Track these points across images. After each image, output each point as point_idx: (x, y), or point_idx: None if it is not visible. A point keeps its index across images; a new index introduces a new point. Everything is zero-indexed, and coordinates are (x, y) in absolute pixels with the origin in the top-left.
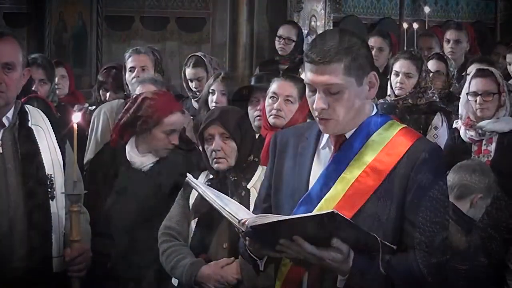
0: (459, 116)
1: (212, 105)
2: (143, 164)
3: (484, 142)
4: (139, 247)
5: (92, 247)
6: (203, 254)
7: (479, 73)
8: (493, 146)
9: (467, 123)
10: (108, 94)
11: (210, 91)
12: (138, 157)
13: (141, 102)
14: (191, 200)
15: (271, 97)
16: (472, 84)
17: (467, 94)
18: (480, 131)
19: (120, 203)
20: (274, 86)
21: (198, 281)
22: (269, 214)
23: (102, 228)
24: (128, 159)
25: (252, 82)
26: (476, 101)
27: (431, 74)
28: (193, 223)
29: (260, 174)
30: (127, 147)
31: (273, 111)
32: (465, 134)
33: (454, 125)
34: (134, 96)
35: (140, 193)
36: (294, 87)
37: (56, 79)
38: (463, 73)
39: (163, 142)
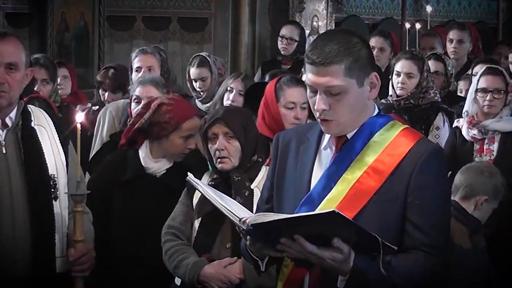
0: (464, 113)
1: (227, 102)
2: (158, 169)
3: (486, 141)
4: (150, 251)
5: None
6: (206, 254)
7: (490, 71)
8: (495, 146)
9: (471, 122)
10: (106, 94)
11: (229, 89)
12: (152, 162)
13: (157, 108)
14: (195, 200)
15: (290, 107)
16: (481, 81)
17: (476, 90)
18: (483, 130)
19: (131, 207)
20: (290, 95)
21: (201, 280)
22: (270, 213)
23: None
24: (143, 164)
25: (267, 80)
26: (484, 97)
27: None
28: (197, 223)
29: (263, 174)
30: (141, 152)
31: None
32: (468, 132)
33: (455, 124)
34: (146, 101)
35: (154, 198)
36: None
37: (58, 80)
38: (466, 73)
39: (180, 147)
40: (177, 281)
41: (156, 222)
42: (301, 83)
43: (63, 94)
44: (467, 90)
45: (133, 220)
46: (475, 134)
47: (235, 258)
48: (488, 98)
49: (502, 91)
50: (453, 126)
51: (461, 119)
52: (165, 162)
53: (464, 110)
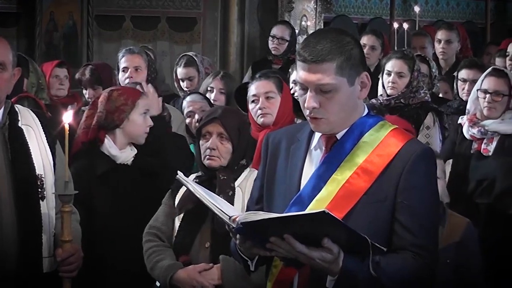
0: (466, 111)
1: None
2: (127, 157)
3: (484, 141)
4: (134, 240)
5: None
6: (184, 256)
7: (494, 72)
8: (492, 146)
9: (472, 119)
10: (87, 92)
11: (209, 88)
12: (119, 152)
13: (109, 97)
14: (177, 201)
15: (252, 100)
16: (484, 82)
17: (477, 90)
18: (482, 130)
19: (110, 199)
20: (251, 89)
21: (173, 284)
22: (260, 212)
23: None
24: (113, 154)
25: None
26: (485, 98)
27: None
28: (177, 222)
29: (246, 174)
30: (105, 147)
31: (259, 111)
32: (468, 131)
33: (459, 121)
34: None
35: (132, 185)
36: (270, 83)
37: (61, 80)
38: (454, 73)
39: (142, 125)
40: (158, 282)
41: (142, 209)
42: (265, 76)
43: (62, 95)
44: (446, 92)
45: (116, 212)
46: (474, 133)
47: (211, 264)
48: (487, 99)
49: (503, 94)
50: (457, 123)
51: (465, 116)
52: (130, 150)
53: (467, 108)
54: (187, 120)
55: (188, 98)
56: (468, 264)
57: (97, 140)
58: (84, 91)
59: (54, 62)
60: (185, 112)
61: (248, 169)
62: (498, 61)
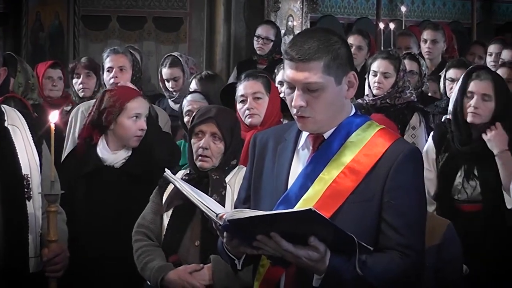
0: (448, 111)
1: None
2: (115, 160)
3: None
4: (119, 245)
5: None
6: (174, 256)
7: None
8: None
9: None
10: (80, 80)
11: (190, 89)
12: (109, 154)
13: (102, 96)
14: (165, 198)
15: (240, 100)
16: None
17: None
18: None
19: (95, 201)
20: (240, 89)
21: (164, 286)
22: (247, 209)
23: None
24: (100, 156)
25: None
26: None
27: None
28: (166, 219)
29: (235, 171)
30: (98, 147)
31: (246, 112)
32: None
33: (443, 119)
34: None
35: (115, 188)
36: (258, 83)
37: (54, 81)
38: (440, 73)
39: (131, 129)
40: (148, 281)
41: (122, 212)
42: (254, 76)
43: (55, 96)
44: (434, 92)
45: (97, 213)
46: None
47: (202, 265)
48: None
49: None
50: (441, 120)
51: (447, 116)
52: (123, 152)
53: (449, 108)
54: (185, 119)
55: (188, 97)
56: (449, 267)
57: (91, 138)
58: (75, 81)
59: (48, 63)
60: (184, 110)
61: (236, 166)
62: (493, 48)
